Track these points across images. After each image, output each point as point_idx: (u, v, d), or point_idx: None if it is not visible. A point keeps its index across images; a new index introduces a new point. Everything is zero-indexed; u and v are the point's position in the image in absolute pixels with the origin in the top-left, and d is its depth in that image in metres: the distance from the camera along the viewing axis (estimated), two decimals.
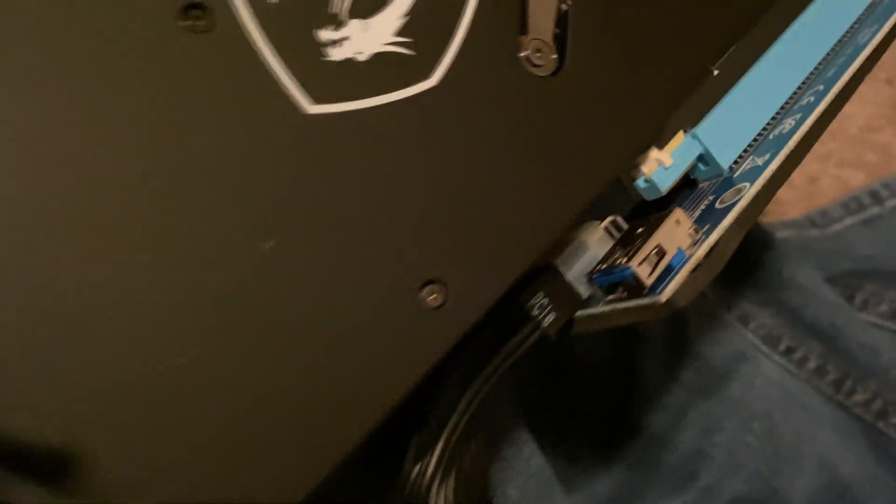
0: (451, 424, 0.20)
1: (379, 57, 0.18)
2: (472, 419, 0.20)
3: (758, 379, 0.37)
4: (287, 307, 0.17)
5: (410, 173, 0.18)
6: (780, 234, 0.47)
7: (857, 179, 0.56)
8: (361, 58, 0.18)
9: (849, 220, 0.48)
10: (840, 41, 0.26)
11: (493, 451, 0.27)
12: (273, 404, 0.17)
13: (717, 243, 0.20)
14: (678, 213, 0.20)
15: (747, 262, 0.41)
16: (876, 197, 0.49)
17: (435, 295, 0.18)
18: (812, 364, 0.39)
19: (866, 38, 0.25)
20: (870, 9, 0.27)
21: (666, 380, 0.37)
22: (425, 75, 0.19)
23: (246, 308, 0.17)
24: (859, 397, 0.37)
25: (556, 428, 0.35)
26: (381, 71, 0.18)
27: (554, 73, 0.20)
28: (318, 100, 0.17)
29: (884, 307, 0.42)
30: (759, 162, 0.22)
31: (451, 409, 0.20)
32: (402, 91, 0.18)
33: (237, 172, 0.17)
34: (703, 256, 0.20)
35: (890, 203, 0.48)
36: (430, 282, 0.18)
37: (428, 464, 0.19)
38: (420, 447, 0.19)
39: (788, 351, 0.39)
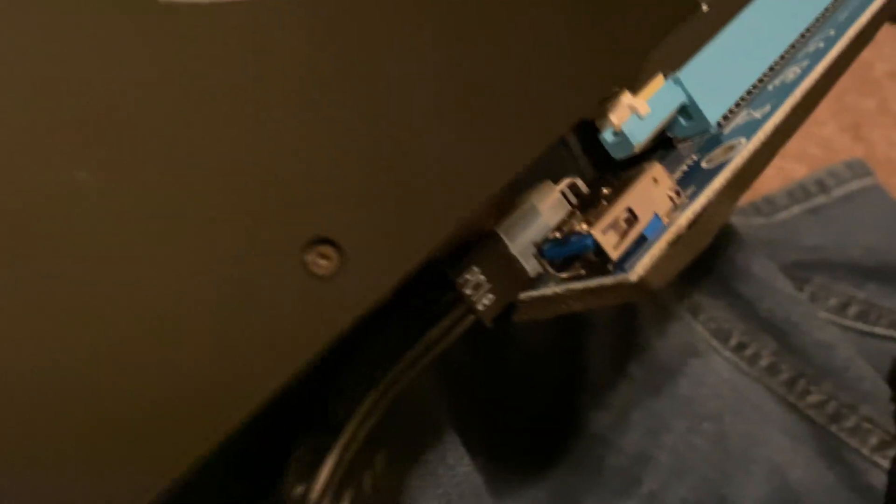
0: (346, 434, 0.14)
1: None
2: (377, 427, 0.15)
3: (708, 376, 0.34)
4: (105, 259, 0.12)
5: (295, 95, 0.13)
6: None
7: (799, 172, 0.55)
8: None
9: (795, 209, 0.46)
10: None
11: (406, 462, 0.22)
12: (107, 394, 0.12)
13: (704, 210, 0.15)
14: (656, 169, 0.16)
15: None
16: (822, 185, 0.46)
17: (325, 260, 0.13)
18: (764, 362, 0.35)
19: None
20: None
21: (611, 374, 0.34)
22: None
23: (41, 255, 0.11)
24: (813, 399, 0.34)
25: (487, 427, 0.31)
26: None
27: None
28: None
29: (833, 301, 0.39)
30: (758, 115, 0.17)
31: (348, 413, 0.15)
32: None
33: (48, 67, 0.11)
34: (685, 226, 0.15)
35: (836, 192, 0.46)
36: (318, 241, 0.13)
37: (311, 487, 0.14)
38: (303, 462, 0.14)
39: (740, 347, 0.36)
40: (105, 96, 0.12)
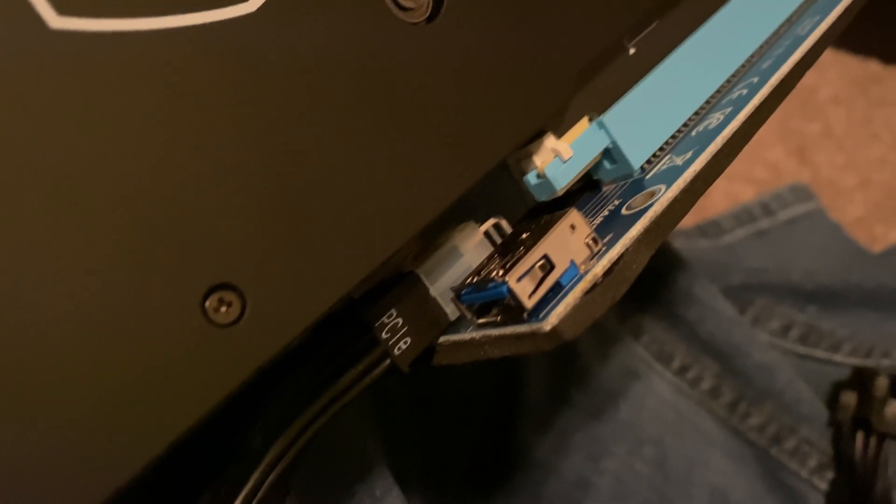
0: (250, 483, 0.14)
1: None
2: (288, 471, 0.15)
3: (649, 399, 0.35)
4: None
5: (196, 130, 0.13)
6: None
7: (746, 195, 0.56)
8: None
9: (740, 232, 0.46)
10: (776, 31, 0.22)
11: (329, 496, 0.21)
12: None
13: (620, 258, 0.15)
14: (573, 216, 0.16)
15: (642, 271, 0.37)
16: (766, 209, 0.47)
17: (225, 307, 0.13)
18: (706, 384, 0.36)
19: (807, 29, 0.21)
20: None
21: (550, 398, 0.34)
22: None
23: None
24: (754, 421, 0.35)
25: (422, 455, 0.31)
26: None
27: (428, 20, 0.15)
28: (65, 10, 0.12)
29: (775, 324, 0.40)
30: (679, 161, 0.17)
31: (256, 460, 0.14)
32: (202, 14, 0.13)
33: None
34: (601, 274, 0.15)
35: (780, 216, 0.47)
36: (218, 286, 0.13)
37: None
38: None
39: (682, 370, 0.36)
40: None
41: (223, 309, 0.13)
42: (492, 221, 0.18)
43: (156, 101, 0.12)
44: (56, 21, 0.12)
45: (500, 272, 0.15)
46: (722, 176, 0.17)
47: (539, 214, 0.18)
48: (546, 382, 0.34)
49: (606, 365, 0.35)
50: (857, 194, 0.60)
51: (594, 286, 0.15)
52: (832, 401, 0.34)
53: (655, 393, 0.35)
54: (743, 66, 0.21)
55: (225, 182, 0.13)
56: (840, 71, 0.68)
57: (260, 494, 0.14)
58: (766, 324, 0.40)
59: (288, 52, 0.14)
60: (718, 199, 0.57)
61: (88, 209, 0.12)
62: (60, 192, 0.12)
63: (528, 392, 0.33)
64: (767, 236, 0.46)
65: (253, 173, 0.13)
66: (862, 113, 0.66)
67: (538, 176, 0.17)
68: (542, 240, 0.15)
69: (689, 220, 0.52)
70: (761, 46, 0.21)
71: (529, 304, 0.14)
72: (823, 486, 0.33)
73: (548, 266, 0.15)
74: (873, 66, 0.68)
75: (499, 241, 0.18)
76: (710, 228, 0.47)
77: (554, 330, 0.14)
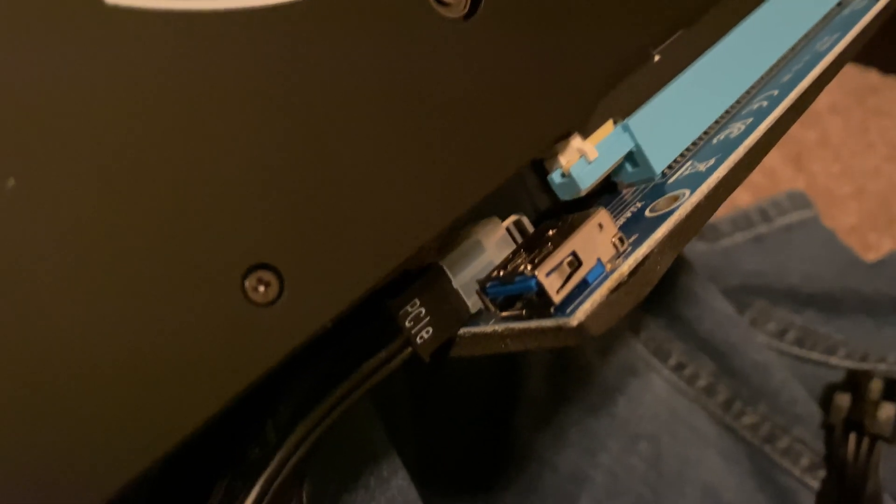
0: (271, 468, 0.14)
1: None
2: (306, 457, 0.15)
3: (646, 396, 0.35)
4: (35, 278, 0.11)
5: (243, 117, 0.13)
6: None
7: (743, 200, 0.56)
8: None
9: (738, 237, 0.47)
10: (795, 46, 0.22)
11: (337, 478, 0.21)
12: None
13: (646, 258, 0.15)
14: (602, 215, 0.16)
15: None
16: (764, 215, 0.47)
17: (264, 287, 0.13)
18: (703, 382, 0.36)
19: (826, 46, 0.21)
20: (828, 17, 0.23)
21: (549, 392, 0.34)
22: None
23: None
24: (748, 420, 0.35)
25: (419, 446, 0.31)
26: None
27: (465, 17, 0.15)
28: None
29: (772, 326, 0.40)
30: (702, 168, 0.17)
31: (276, 446, 0.14)
32: None
33: None
34: (627, 273, 0.15)
35: (778, 222, 0.47)
36: (257, 266, 0.13)
37: None
38: (223, 496, 0.14)
39: (679, 367, 0.36)
40: (46, 103, 0.11)
41: (262, 289, 0.13)
42: (514, 218, 0.18)
43: (202, 81, 0.12)
44: None
45: (529, 267, 0.15)
46: None
47: (559, 215, 0.18)
48: (545, 377, 0.34)
49: (606, 360, 0.35)
50: (851, 203, 0.60)
51: (620, 285, 0.15)
52: (826, 402, 0.35)
53: (652, 390, 0.35)
54: (762, 78, 0.21)
55: (268, 165, 0.13)
56: (838, 80, 0.68)
57: (279, 480, 0.15)
58: (763, 326, 0.40)
59: (330, 39, 0.14)
60: None
61: (136, 185, 0.12)
62: (106, 167, 0.12)
63: (526, 386, 0.33)
64: (764, 242, 0.46)
65: (294, 159, 0.13)
66: (858, 122, 0.66)
67: (563, 175, 0.18)
68: (571, 236, 0.15)
69: None
70: (780, 60, 0.21)
71: (557, 298, 0.15)
72: (815, 484, 0.33)
73: (576, 263, 0.15)
74: (871, 77, 0.68)
75: (518, 237, 0.18)
76: (708, 232, 0.47)
77: (581, 325, 0.14)
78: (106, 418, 0.12)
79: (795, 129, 0.71)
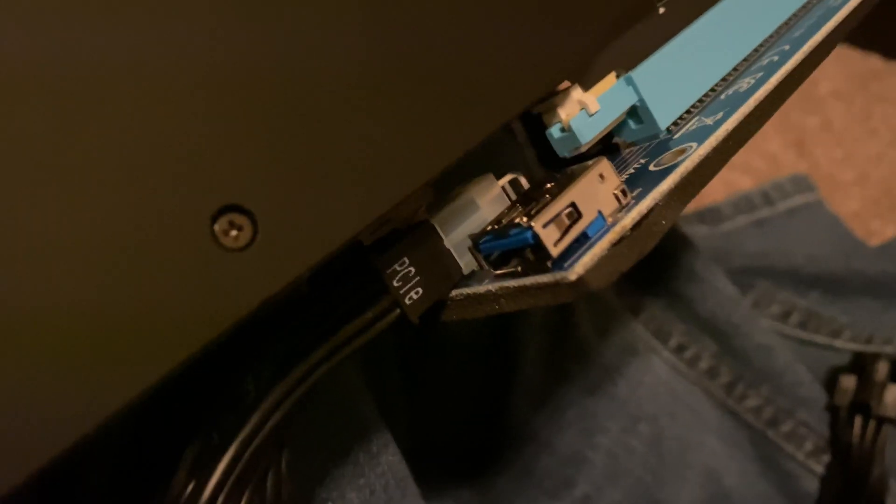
0: (247, 428, 0.13)
1: None
2: (285, 421, 0.14)
3: (646, 377, 0.34)
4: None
5: (215, 44, 0.12)
6: None
7: (744, 184, 0.55)
8: None
9: (740, 220, 0.46)
10: (809, 2, 0.21)
11: (325, 451, 0.20)
12: None
13: (650, 212, 0.14)
14: (603, 165, 0.15)
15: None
16: (767, 198, 0.46)
17: (235, 231, 0.12)
18: (704, 364, 0.35)
19: (839, 1, 0.20)
20: None
21: (547, 371, 0.32)
22: None
23: None
24: (751, 403, 0.34)
25: (413, 426, 0.30)
26: None
27: None
28: None
29: (775, 308, 0.39)
30: (709, 121, 0.16)
31: (252, 407, 0.13)
32: None
33: None
34: (629, 227, 0.14)
35: (780, 206, 0.46)
36: (228, 208, 0.12)
37: (203, 485, 0.12)
38: (198, 456, 0.13)
39: (680, 348, 0.35)
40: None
41: (233, 233, 0.12)
42: (510, 176, 0.17)
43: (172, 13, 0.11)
44: None
45: (525, 219, 0.14)
46: None
47: (560, 169, 0.17)
48: (543, 355, 0.33)
49: (605, 341, 0.34)
50: (854, 189, 0.59)
51: (622, 238, 0.14)
52: (830, 386, 0.34)
53: (653, 371, 0.34)
54: (772, 35, 0.20)
55: (241, 103, 0.12)
56: (841, 65, 0.67)
57: (255, 443, 0.13)
58: (766, 308, 0.39)
59: None
60: (716, 188, 0.56)
61: (94, 118, 0.11)
62: (64, 100, 0.11)
63: (523, 365, 0.32)
64: (767, 225, 0.46)
65: (269, 99, 0.12)
66: (861, 108, 0.65)
67: (562, 129, 0.17)
68: (570, 187, 0.14)
69: (687, 207, 0.51)
70: (792, 16, 0.20)
71: (555, 251, 0.14)
72: (819, 469, 0.32)
73: (575, 215, 0.14)
74: (874, 62, 0.67)
75: (515, 197, 0.17)
76: (710, 215, 0.46)
77: (580, 279, 0.13)
78: (65, 363, 0.11)
79: (797, 115, 0.69)
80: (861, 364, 0.32)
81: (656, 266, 0.36)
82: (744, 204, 0.47)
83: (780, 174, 0.54)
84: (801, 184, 0.47)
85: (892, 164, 0.61)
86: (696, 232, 0.45)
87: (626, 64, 0.17)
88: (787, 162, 0.61)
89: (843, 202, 0.59)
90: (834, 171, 0.61)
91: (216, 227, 0.11)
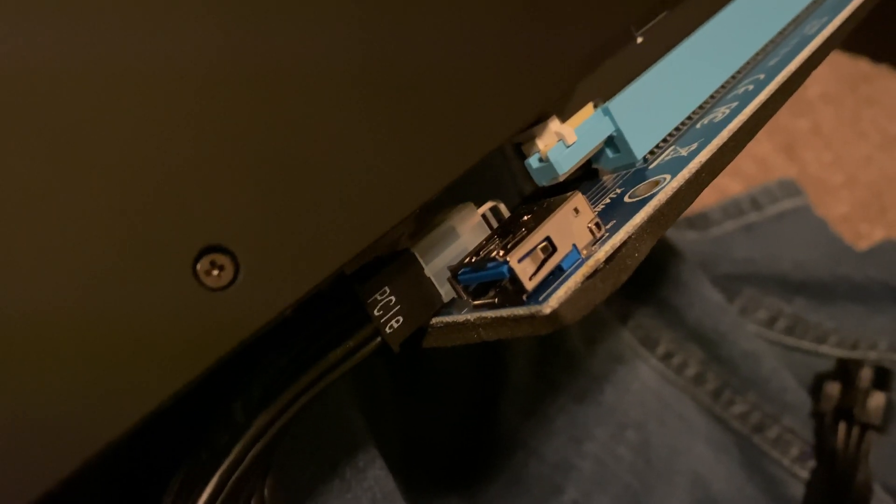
0: (231, 456, 0.13)
1: None
2: (271, 446, 0.14)
3: (633, 384, 0.34)
4: None
5: (197, 86, 0.12)
6: None
7: (734, 188, 0.55)
8: None
9: (728, 225, 0.46)
10: (783, 30, 0.21)
11: (311, 465, 0.21)
12: None
13: (623, 245, 0.14)
14: (578, 199, 0.15)
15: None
16: (755, 203, 0.46)
17: (217, 271, 0.12)
18: (691, 371, 0.35)
19: (814, 29, 0.20)
20: (817, 0, 0.23)
21: (535, 380, 0.33)
22: None
23: None
24: (737, 409, 0.34)
25: (403, 435, 0.30)
26: None
27: None
28: None
29: (762, 314, 0.39)
30: (684, 152, 0.17)
31: (240, 431, 0.14)
32: None
33: None
34: (603, 259, 0.14)
35: (768, 210, 0.46)
36: (210, 248, 0.12)
37: None
38: (183, 484, 0.13)
39: (667, 355, 0.35)
40: None
41: (215, 272, 0.12)
42: (490, 204, 0.17)
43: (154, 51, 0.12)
44: None
45: (501, 252, 0.14)
46: None
47: (538, 200, 0.17)
48: (531, 364, 0.33)
49: (592, 348, 0.34)
50: (843, 192, 0.60)
51: (595, 272, 0.14)
52: (816, 391, 0.34)
53: (640, 378, 0.34)
54: (748, 63, 0.20)
55: (223, 144, 0.12)
56: (830, 68, 0.67)
57: (243, 466, 0.14)
58: (752, 314, 0.39)
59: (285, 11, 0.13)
60: (706, 192, 0.56)
61: (84, 160, 0.11)
62: (54, 140, 0.11)
63: (512, 373, 0.32)
64: (755, 230, 0.46)
65: (253, 139, 0.12)
66: (850, 111, 0.65)
67: (540, 160, 0.17)
68: (545, 221, 0.14)
69: None
70: (768, 44, 0.21)
71: (529, 285, 0.14)
72: (804, 474, 0.32)
73: (549, 248, 0.14)
74: (863, 65, 0.67)
75: (495, 224, 0.17)
76: (698, 220, 0.47)
77: (554, 313, 0.13)
78: (46, 400, 0.11)
79: (787, 119, 0.69)
80: (845, 371, 0.33)
81: (644, 274, 0.37)
82: (732, 209, 0.47)
83: (769, 178, 0.54)
84: (789, 188, 0.47)
85: (881, 168, 0.61)
86: (685, 237, 0.45)
87: (603, 94, 0.18)
88: (777, 166, 0.61)
89: (833, 205, 0.59)
90: (823, 175, 0.61)
91: (198, 266, 0.12)
